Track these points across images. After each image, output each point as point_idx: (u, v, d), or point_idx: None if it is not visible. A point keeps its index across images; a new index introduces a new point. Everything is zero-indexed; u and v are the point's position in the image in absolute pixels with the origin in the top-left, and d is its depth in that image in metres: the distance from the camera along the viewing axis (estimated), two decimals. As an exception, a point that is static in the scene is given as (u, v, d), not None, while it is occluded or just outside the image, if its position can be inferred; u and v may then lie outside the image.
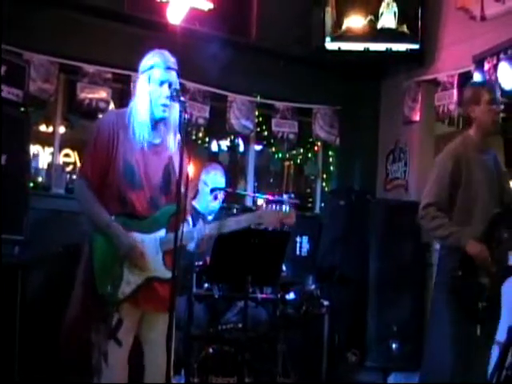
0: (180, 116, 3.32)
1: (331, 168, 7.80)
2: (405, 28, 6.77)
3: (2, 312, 4.61)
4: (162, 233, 3.43)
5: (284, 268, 5.08)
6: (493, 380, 4.53)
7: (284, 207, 3.59)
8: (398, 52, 6.85)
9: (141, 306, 3.41)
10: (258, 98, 7.15)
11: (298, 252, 6.79)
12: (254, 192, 7.47)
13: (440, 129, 7.42)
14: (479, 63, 5.81)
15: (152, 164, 3.48)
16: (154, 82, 3.43)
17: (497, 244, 4.00)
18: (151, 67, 3.45)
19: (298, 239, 6.79)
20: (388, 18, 6.81)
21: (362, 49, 6.86)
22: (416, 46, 6.79)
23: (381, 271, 6.42)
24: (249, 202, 7.31)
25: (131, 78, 5.75)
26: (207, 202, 5.28)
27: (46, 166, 6.60)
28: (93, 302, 3.34)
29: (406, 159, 7.20)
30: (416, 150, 7.12)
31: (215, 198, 5.29)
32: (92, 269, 3.33)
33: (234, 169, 7.97)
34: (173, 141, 3.53)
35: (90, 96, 6.19)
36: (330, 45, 6.88)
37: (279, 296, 5.14)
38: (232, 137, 7.50)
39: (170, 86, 3.44)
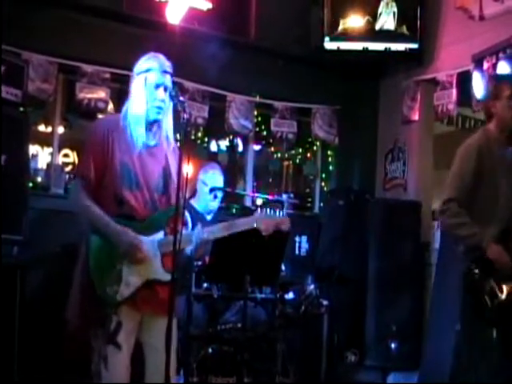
0: (177, 116, 3.32)
1: (330, 168, 7.80)
2: (404, 29, 6.76)
3: (1, 312, 4.60)
4: (160, 235, 3.42)
5: (283, 268, 5.08)
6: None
7: (279, 212, 3.61)
8: (396, 51, 6.85)
9: (140, 309, 3.39)
10: (257, 97, 7.15)
11: (297, 252, 6.79)
12: (253, 192, 7.46)
13: (439, 128, 7.44)
14: (478, 62, 5.81)
15: (149, 166, 3.48)
16: (149, 85, 3.43)
17: None
18: (147, 70, 3.45)
19: (297, 239, 6.79)
20: (387, 19, 6.80)
21: (360, 48, 6.86)
22: (415, 46, 6.79)
23: (380, 271, 6.42)
24: (248, 202, 7.31)
25: (130, 78, 5.74)
26: (206, 201, 5.28)
27: (45, 166, 6.60)
28: (91, 305, 3.32)
29: (405, 159, 7.20)
30: (415, 149, 7.12)
31: (214, 197, 5.29)
32: (89, 270, 3.32)
33: (233, 168, 7.96)
34: (167, 143, 3.54)
35: (89, 96, 6.18)
36: (329, 44, 6.88)
37: (278, 296, 5.14)
38: (231, 137, 7.50)
39: (165, 89, 3.45)
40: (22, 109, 5.36)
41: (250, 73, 6.93)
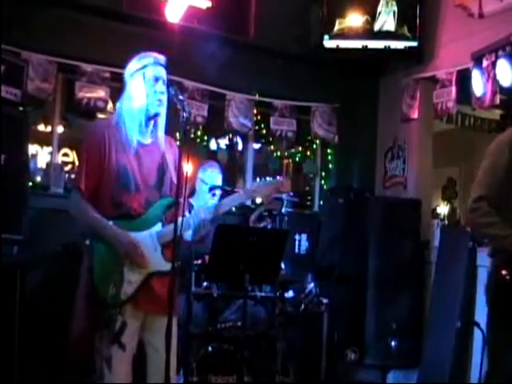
0: (177, 115, 3.33)
1: (330, 166, 7.81)
2: (405, 30, 6.76)
3: (1, 312, 4.61)
4: (157, 227, 3.45)
5: (283, 266, 5.09)
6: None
7: (277, 177, 3.62)
8: (396, 50, 6.84)
9: (142, 308, 3.41)
10: (257, 96, 7.15)
11: (296, 250, 6.79)
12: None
13: (438, 126, 7.45)
14: (478, 60, 5.80)
15: (145, 165, 3.50)
16: (148, 80, 3.46)
17: None
18: (144, 67, 3.48)
19: (297, 237, 6.80)
20: (387, 18, 6.79)
21: (360, 46, 6.85)
22: (414, 44, 6.78)
23: (380, 269, 6.42)
24: (247, 201, 7.31)
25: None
26: (205, 199, 5.29)
27: (44, 166, 6.61)
28: (96, 309, 3.33)
29: (405, 157, 7.19)
30: (415, 147, 7.12)
31: (213, 196, 5.30)
32: (92, 278, 3.33)
33: (232, 167, 7.97)
34: (163, 139, 3.56)
35: (89, 95, 6.18)
36: (329, 43, 6.87)
37: (278, 294, 5.15)
38: (230, 135, 7.50)
39: (163, 82, 3.48)
40: (21, 108, 5.35)
41: (249, 71, 6.93)
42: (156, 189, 3.51)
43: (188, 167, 3.34)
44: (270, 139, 7.45)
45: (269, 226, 5.15)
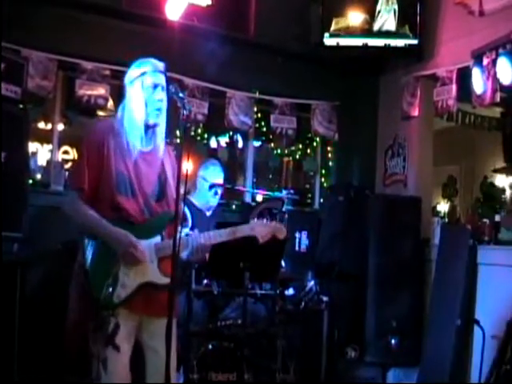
0: (177, 113, 3.32)
1: (330, 164, 7.81)
2: (406, 30, 6.75)
3: (1, 309, 4.61)
4: (157, 239, 3.43)
5: (283, 264, 5.09)
6: (492, 374, 4.55)
7: (275, 223, 3.66)
8: (396, 47, 6.83)
9: (137, 311, 3.39)
10: (257, 93, 7.15)
11: (297, 248, 6.79)
12: (253, 188, 7.47)
13: (439, 124, 7.44)
14: (478, 58, 5.80)
15: (144, 173, 3.48)
16: (147, 87, 3.45)
17: None
18: (143, 74, 3.47)
19: (297, 235, 6.79)
20: (387, 17, 6.78)
21: (360, 44, 6.84)
22: (415, 42, 6.78)
23: (380, 267, 6.42)
24: (248, 198, 7.32)
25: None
26: (206, 197, 5.30)
27: (44, 163, 6.61)
28: (89, 308, 3.32)
29: (405, 154, 7.19)
30: (415, 145, 7.11)
31: (215, 193, 5.30)
32: (86, 274, 3.32)
33: (233, 165, 7.98)
34: (162, 148, 3.56)
35: (89, 93, 6.18)
36: (329, 40, 6.86)
37: (278, 292, 5.15)
38: (231, 133, 7.50)
39: (162, 89, 3.47)
40: (21, 106, 5.35)
41: (249, 69, 6.93)
42: (154, 197, 3.50)
43: (188, 165, 3.33)
44: (271, 137, 7.46)
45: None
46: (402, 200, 6.88)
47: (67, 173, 6.35)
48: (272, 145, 7.64)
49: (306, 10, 7.10)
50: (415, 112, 6.98)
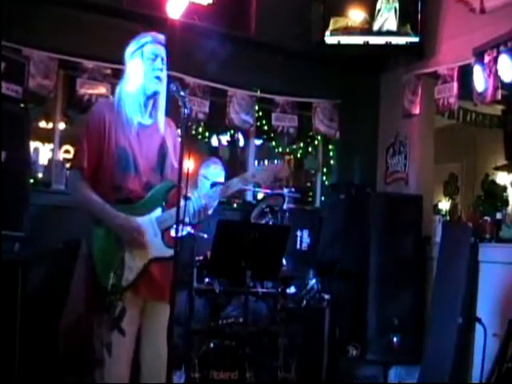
0: (178, 111, 3.33)
1: (331, 162, 7.80)
2: (408, 29, 6.75)
3: (2, 309, 4.61)
4: (157, 212, 3.43)
5: (284, 262, 5.09)
6: (494, 372, 4.55)
7: (275, 161, 3.61)
8: (397, 45, 6.83)
9: (142, 294, 3.42)
10: (258, 92, 7.15)
11: (298, 246, 6.78)
12: (254, 186, 7.46)
13: (440, 122, 7.43)
14: (479, 56, 5.80)
15: (146, 147, 3.49)
16: (147, 58, 3.47)
17: None
18: (143, 45, 3.50)
19: (299, 233, 6.79)
20: (388, 16, 6.77)
21: (361, 42, 6.84)
22: (416, 39, 6.77)
23: (381, 265, 6.42)
24: (249, 197, 7.31)
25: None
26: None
27: (46, 163, 6.61)
28: (95, 295, 3.34)
29: (406, 152, 7.19)
30: (416, 143, 7.11)
31: (215, 192, 5.29)
32: (92, 264, 3.34)
33: (234, 163, 7.97)
34: (163, 121, 3.55)
35: (90, 92, 6.18)
36: (330, 39, 6.86)
37: (280, 290, 5.15)
38: (232, 131, 7.49)
39: (162, 60, 3.49)
40: (22, 105, 5.34)
41: (250, 67, 6.93)
42: (157, 171, 3.50)
43: (189, 164, 3.33)
44: (272, 135, 7.45)
45: (270, 222, 5.14)
46: (404, 198, 6.88)
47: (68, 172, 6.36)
48: (273, 143, 7.63)
49: (307, 9, 7.10)
50: (416, 110, 6.98)
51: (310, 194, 7.93)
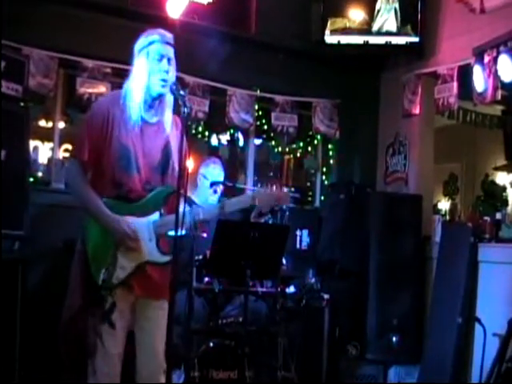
0: (178, 110, 3.32)
1: (331, 161, 7.80)
2: (409, 30, 6.75)
3: (2, 308, 4.61)
4: (155, 216, 3.41)
5: (284, 261, 5.09)
6: (493, 372, 4.54)
7: (278, 190, 3.57)
8: (397, 45, 6.83)
9: (134, 291, 3.41)
10: (258, 91, 7.15)
11: (298, 245, 6.79)
12: (254, 186, 7.46)
13: (440, 122, 7.44)
14: (479, 56, 5.80)
15: (149, 145, 3.45)
16: (152, 58, 3.41)
17: None
18: (150, 43, 3.44)
19: (298, 233, 6.79)
20: (387, 17, 6.77)
21: (361, 42, 6.85)
22: (416, 39, 6.78)
23: (381, 264, 6.42)
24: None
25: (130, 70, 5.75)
26: (206, 195, 5.29)
27: (45, 161, 6.60)
28: (88, 288, 3.33)
29: (406, 152, 7.19)
30: (416, 142, 7.11)
31: (214, 191, 5.30)
32: (86, 257, 3.33)
33: (233, 163, 7.97)
34: (169, 120, 3.50)
35: (90, 91, 6.17)
36: (330, 38, 6.87)
37: (279, 289, 5.14)
38: (232, 131, 7.49)
39: (168, 61, 3.43)
40: (22, 104, 5.34)
41: (250, 67, 6.93)
42: (158, 171, 3.47)
43: (189, 163, 3.32)
44: (271, 135, 7.45)
45: (270, 222, 5.14)
46: (403, 198, 6.88)
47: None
48: (273, 143, 7.63)
49: (307, 8, 7.09)
50: (416, 110, 6.99)
51: (310, 193, 7.93)
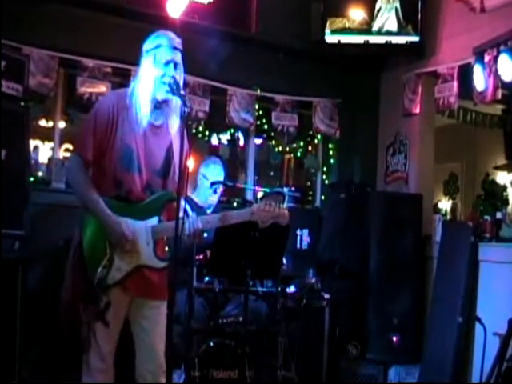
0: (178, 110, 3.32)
1: (331, 161, 7.81)
2: (409, 29, 6.74)
3: (2, 308, 4.61)
4: (154, 221, 3.40)
5: (284, 261, 5.09)
6: (494, 371, 4.54)
7: (277, 204, 3.56)
8: (397, 45, 6.83)
9: (130, 292, 3.40)
10: (258, 91, 7.15)
11: (298, 245, 6.78)
12: (254, 185, 7.46)
13: (440, 121, 7.43)
14: (479, 55, 5.80)
15: (152, 147, 3.43)
16: (159, 62, 3.39)
17: None
18: (157, 46, 3.42)
19: (299, 232, 6.78)
20: (388, 16, 6.77)
21: (361, 42, 6.85)
22: (416, 39, 6.78)
23: (381, 264, 6.42)
24: (249, 196, 7.31)
25: (131, 72, 5.75)
26: (206, 195, 5.29)
27: (46, 161, 6.60)
28: (83, 285, 3.32)
29: (406, 152, 7.19)
30: (416, 142, 7.11)
31: (215, 191, 5.30)
32: (82, 253, 3.32)
33: (234, 162, 7.97)
34: (175, 123, 3.46)
35: (90, 90, 6.17)
36: (330, 38, 6.87)
37: (280, 289, 5.14)
38: (232, 130, 7.49)
39: (175, 66, 3.42)
40: (22, 103, 5.33)
41: (250, 66, 6.93)
42: (159, 174, 3.46)
43: (190, 162, 3.32)
44: (272, 134, 7.46)
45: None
46: (404, 197, 6.88)
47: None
48: (273, 142, 7.63)
49: (307, 8, 7.09)
50: (416, 109, 6.99)
51: (310, 193, 7.93)
